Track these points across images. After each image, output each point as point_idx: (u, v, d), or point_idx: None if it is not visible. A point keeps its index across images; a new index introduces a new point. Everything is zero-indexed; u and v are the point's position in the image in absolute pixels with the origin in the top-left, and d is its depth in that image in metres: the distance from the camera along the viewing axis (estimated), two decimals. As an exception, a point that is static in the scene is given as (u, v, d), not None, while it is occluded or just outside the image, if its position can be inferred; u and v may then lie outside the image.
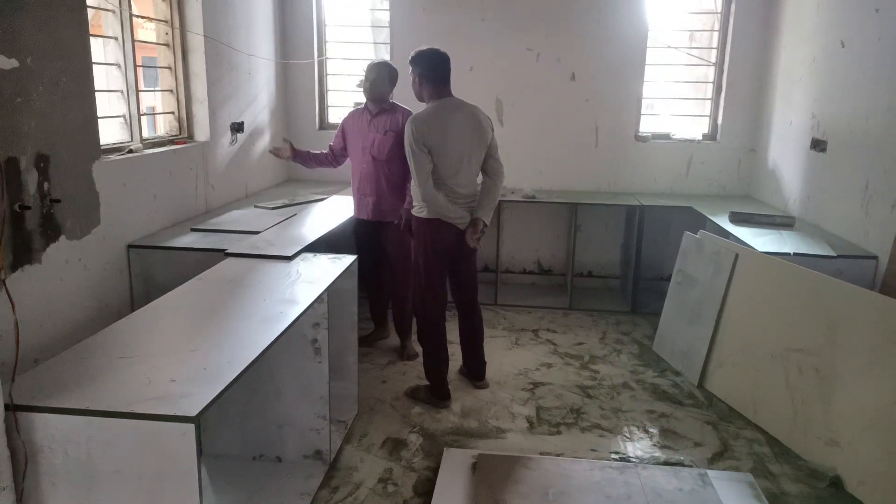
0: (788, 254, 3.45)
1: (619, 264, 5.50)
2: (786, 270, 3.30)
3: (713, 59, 5.20)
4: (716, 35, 5.16)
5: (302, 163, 4.22)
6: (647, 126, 5.35)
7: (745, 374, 3.44)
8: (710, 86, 5.25)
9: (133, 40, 3.39)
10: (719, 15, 5.10)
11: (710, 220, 4.32)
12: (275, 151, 4.30)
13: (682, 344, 3.93)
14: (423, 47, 3.37)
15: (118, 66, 3.36)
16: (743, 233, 3.89)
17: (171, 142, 3.80)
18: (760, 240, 3.73)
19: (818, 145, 4.07)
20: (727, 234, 3.96)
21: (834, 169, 3.91)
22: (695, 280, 3.92)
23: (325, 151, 4.17)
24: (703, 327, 3.74)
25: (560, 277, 5.53)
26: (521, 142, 5.21)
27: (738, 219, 4.19)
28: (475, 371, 3.69)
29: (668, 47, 5.22)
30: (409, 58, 3.36)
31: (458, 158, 3.27)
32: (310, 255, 3.19)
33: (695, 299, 3.87)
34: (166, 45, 3.84)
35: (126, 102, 3.39)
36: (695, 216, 4.62)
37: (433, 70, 3.30)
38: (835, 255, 3.43)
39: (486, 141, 3.38)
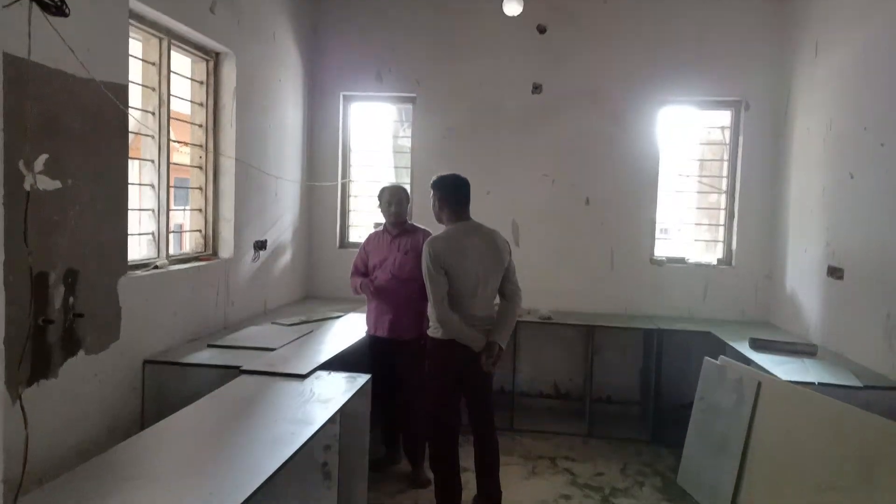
0: (813, 383, 3.36)
1: (639, 389, 5.37)
2: (813, 401, 3.19)
3: (724, 188, 5.34)
4: (726, 164, 5.34)
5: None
6: (662, 250, 5.42)
7: (776, 512, 3.24)
8: (723, 212, 5.36)
9: (168, 163, 3.58)
10: (727, 146, 5.30)
11: (730, 345, 4.25)
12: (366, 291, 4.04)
13: (709, 478, 3.74)
14: (445, 172, 3.51)
15: (152, 186, 3.52)
16: (764, 360, 3.81)
17: (196, 258, 3.90)
18: (783, 368, 3.65)
19: (835, 273, 4.07)
20: (748, 361, 3.88)
21: (853, 297, 3.89)
22: (718, 409, 3.80)
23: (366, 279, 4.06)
24: (730, 460, 3.57)
25: (578, 402, 5.39)
26: (538, 263, 5.27)
27: (758, 345, 4.12)
28: (490, 502, 3.51)
29: (680, 175, 5.39)
30: (431, 182, 3.49)
31: (475, 281, 3.31)
32: (324, 372, 3.17)
33: (719, 430, 3.73)
34: (199, 167, 4.05)
35: (156, 221, 3.52)
36: (714, 341, 4.56)
37: (453, 194, 3.42)
38: (861, 385, 3.33)
39: (504, 264, 3.43)
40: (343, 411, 2.68)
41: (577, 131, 5.30)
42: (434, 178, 3.50)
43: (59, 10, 1.82)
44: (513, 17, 5.18)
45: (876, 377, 3.49)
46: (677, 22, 5.15)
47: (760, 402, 3.51)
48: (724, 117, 5.33)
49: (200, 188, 4.06)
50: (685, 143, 5.49)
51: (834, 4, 4.30)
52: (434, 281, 3.24)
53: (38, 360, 2.44)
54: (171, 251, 3.70)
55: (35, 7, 1.93)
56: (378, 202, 4.09)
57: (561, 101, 5.30)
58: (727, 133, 5.32)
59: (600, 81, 5.25)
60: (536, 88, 5.32)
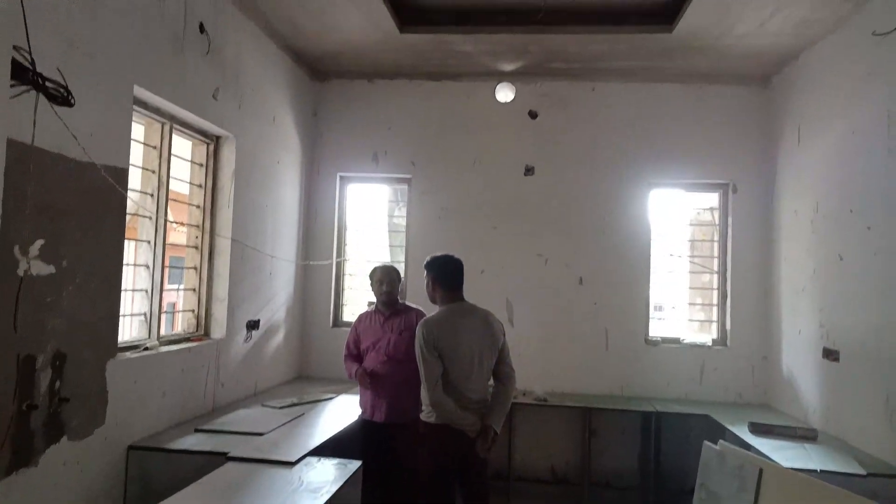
0: (815, 471, 3.28)
1: (638, 474, 5.21)
2: (817, 490, 3.10)
3: (716, 268, 5.39)
4: (716, 245, 5.40)
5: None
6: (656, 330, 5.40)
7: None
8: (716, 292, 5.38)
9: (164, 244, 3.60)
10: (717, 227, 5.39)
11: (729, 430, 4.17)
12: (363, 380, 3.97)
13: (713, 570, 3.58)
14: (438, 253, 3.53)
15: (147, 266, 3.53)
16: (764, 445, 3.73)
17: (188, 339, 3.86)
18: (784, 453, 3.56)
19: (830, 355, 4.05)
20: (748, 446, 3.79)
21: (851, 380, 3.85)
22: (719, 496, 3.67)
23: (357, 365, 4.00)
24: (734, 551, 3.43)
25: (576, 487, 5.22)
26: (532, 343, 5.24)
27: (758, 430, 4.04)
28: None
29: (672, 255, 5.44)
30: (425, 263, 3.51)
31: (469, 363, 3.27)
32: (314, 459, 3.08)
33: (721, 518, 3.60)
34: (195, 247, 4.07)
35: (149, 301, 3.50)
36: (713, 425, 4.47)
37: (447, 275, 3.43)
38: (864, 473, 3.25)
39: (498, 346, 3.40)
40: (333, 501, 2.59)
41: (570, 212, 5.39)
42: (427, 258, 3.52)
43: (65, 101, 1.88)
44: (506, 103, 5.39)
45: (879, 464, 3.41)
46: (663, 108, 5.34)
47: (763, 490, 3.40)
48: (713, 199, 5.44)
49: (195, 268, 4.06)
50: (676, 224, 5.57)
51: (813, 95, 4.48)
52: (427, 363, 3.21)
53: (19, 448, 2.37)
54: (163, 332, 3.66)
55: (41, 97, 2.00)
56: (370, 281, 4.09)
57: (553, 182, 5.41)
58: (716, 214, 5.41)
59: (591, 164, 5.38)
60: (529, 170, 5.45)
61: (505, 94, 5.33)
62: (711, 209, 5.47)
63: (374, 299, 4.16)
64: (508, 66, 5.21)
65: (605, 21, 4.41)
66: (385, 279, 3.99)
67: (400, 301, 4.11)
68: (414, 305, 4.06)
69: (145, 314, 3.50)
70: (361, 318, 4.13)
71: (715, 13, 4.04)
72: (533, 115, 5.46)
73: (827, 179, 4.22)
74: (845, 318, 3.93)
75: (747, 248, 5.22)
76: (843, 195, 4.00)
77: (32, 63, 1.96)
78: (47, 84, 1.99)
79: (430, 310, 3.54)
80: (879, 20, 3.59)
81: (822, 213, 4.26)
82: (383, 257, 5.75)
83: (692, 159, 5.29)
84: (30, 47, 2.04)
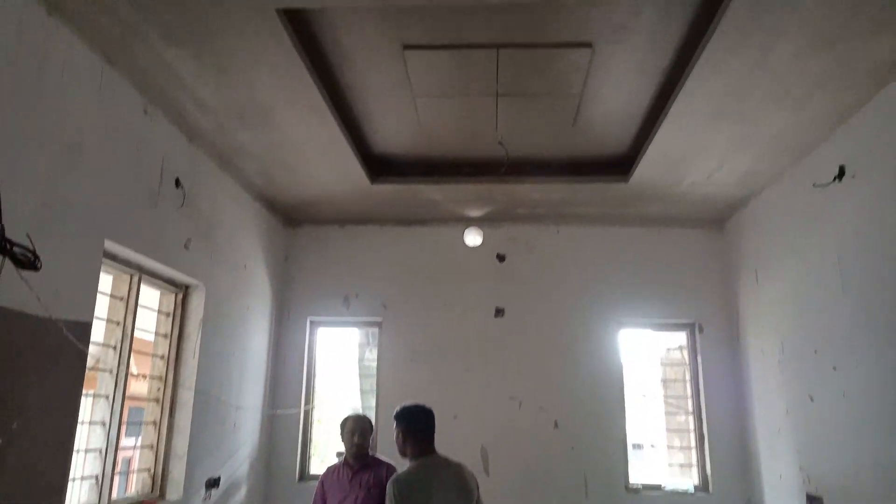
0: None
1: None
2: None
3: (690, 408, 5.33)
4: (689, 384, 5.39)
5: None
6: (637, 474, 5.22)
7: None
8: (693, 434, 5.28)
9: (124, 398, 3.45)
10: (688, 366, 5.40)
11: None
12: None
13: None
14: (408, 402, 3.40)
15: (103, 424, 3.35)
16: None
17: (141, 503, 3.59)
18: None
19: (814, 502, 3.93)
20: None
21: (838, 527, 3.71)
22: None
23: None
24: None
25: None
26: (509, 492, 5.00)
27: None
28: None
29: (645, 395, 5.39)
30: (394, 413, 3.37)
31: None
32: None
33: None
34: (156, 399, 3.91)
35: (102, 462, 3.29)
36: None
37: (417, 427, 3.26)
38: None
39: (472, 500, 3.22)
40: None
41: (541, 353, 5.38)
42: (397, 409, 3.38)
43: (31, 265, 1.88)
44: (474, 247, 5.54)
45: None
46: (626, 250, 5.53)
47: None
48: (682, 338, 5.50)
49: (154, 422, 3.87)
50: (648, 363, 5.59)
51: (765, 239, 4.70)
52: None
53: None
54: (115, 494, 3.42)
55: (7, 260, 1.99)
56: (340, 431, 3.92)
57: (524, 324, 5.44)
58: (686, 353, 5.45)
59: (559, 304, 5.46)
60: (499, 312, 5.49)
61: (473, 238, 5.49)
62: (681, 348, 5.51)
63: (343, 449, 3.97)
64: (475, 212, 5.42)
65: (565, 172, 4.68)
66: (357, 430, 3.80)
67: (371, 454, 3.92)
68: (385, 459, 3.86)
69: (97, 476, 3.28)
70: (328, 472, 3.90)
71: (666, 166, 4.32)
72: (501, 257, 5.60)
73: (789, 320, 4.32)
74: (824, 461, 3.86)
75: (719, 387, 5.21)
76: (807, 335, 4.08)
77: (2, 228, 1.98)
78: (15, 249, 2.00)
79: (401, 463, 3.39)
80: (817, 172, 3.87)
81: (788, 353, 4.31)
82: (354, 402, 5.58)
83: (657, 299, 5.41)
84: (0, 211, 2.06)
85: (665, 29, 3.11)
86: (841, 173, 3.64)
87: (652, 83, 3.60)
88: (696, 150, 4.08)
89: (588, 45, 3.21)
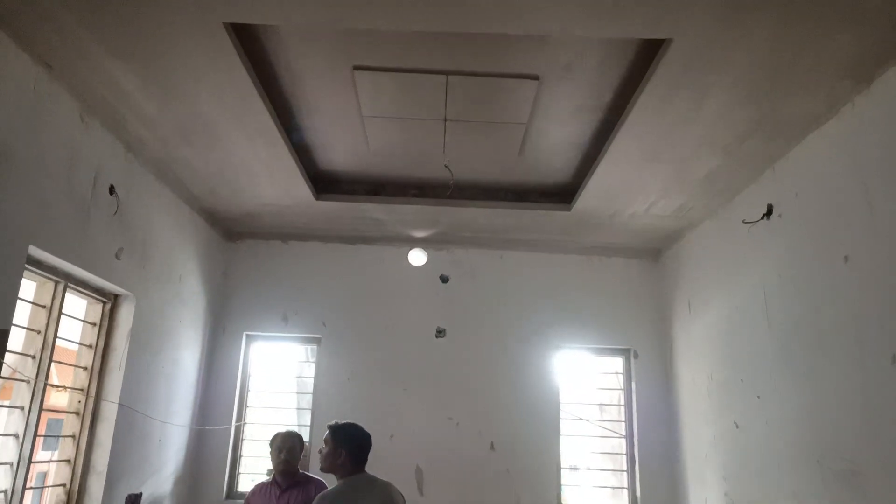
0: None
1: None
2: None
3: (623, 432, 5.44)
4: (623, 409, 5.50)
5: None
6: (569, 497, 5.28)
7: None
8: (625, 457, 5.39)
9: (41, 410, 3.30)
10: (623, 391, 5.52)
11: None
12: None
13: None
14: (349, 421, 3.30)
15: (16, 436, 3.20)
16: None
17: (53, 520, 3.43)
18: None
19: (736, 527, 4.05)
20: None
21: (756, 554, 3.84)
22: None
23: None
24: None
25: None
26: (442, 515, 4.98)
27: None
28: None
29: (580, 419, 5.48)
30: (333, 427, 3.22)
31: None
32: None
33: None
34: (76, 412, 3.75)
35: (13, 476, 3.13)
36: None
37: (358, 449, 3.16)
38: None
39: None
40: None
41: (480, 374, 5.41)
42: (336, 422, 3.25)
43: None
44: (417, 267, 5.54)
45: None
46: (566, 276, 5.64)
47: None
48: (618, 364, 5.62)
49: (74, 436, 3.71)
50: (584, 387, 5.68)
51: (698, 271, 4.87)
52: None
53: None
54: (25, 512, 3.25)
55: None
56: (270, 448, 3.84)
57: (464, 345, 5.47)
58: (621, 378, 5.57)
59: (500, 328, 5.51)
60: (440, 333, 5.50)
61: (417, 257, 5.50)
62: (617, 373, 5.64)
63: (272, 467, 3.89)
64: (420, 233, 5.44)
65: (510, 198, 4.76)
66: (284, 446, 3.74)
67: (301, 471, 3.86)
68: (315, 476, 3.82)
69: (6, 491, 3.11)
70: (255, 490, 3.82)
71: (607, 198, 4.45)
72: (444, 279, 5.62)
73: (718, 349, 4.48)
74: (748, 489, 3.99)
75: (651, 413, 5.34)
76: (734, 365, 4.23)
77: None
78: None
79: (330, 480, 3.33)
80: (748, 210, 4.05)
81: (716, 381, 4.46)
82: (289, 420, 5.48)
83: (596, 325, 5.53)
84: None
85: (606, 71, 3.24)
86: (769, 211, 3.81)
87: (594, 119, 3.72)
88: (634, 186, 4.22)
89: (535, 77, 3.29)
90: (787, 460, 3.57)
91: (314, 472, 3.89)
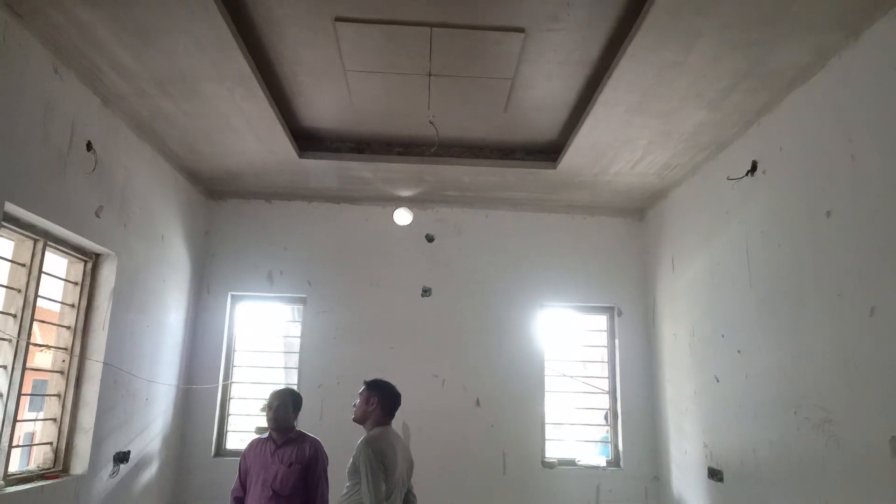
0: None
1: None
2: None
3: (607, 388, 5.54)
4: (606, 366, 5.59)
5: None
6: (553, 451, 5.39)
7: None
8: (608, 412, 5.49)
9: (24, 369, 3.28)
10: (606, 348, 5.60)
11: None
12: None
13: None
14: (381, 378, 3.50)
15: (0, 395, 3.18)
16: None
17: (42, 476, 3.44)
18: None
19: (715, 475, 4.17)
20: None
21: (734, 501, 3.95)
22: None
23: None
24: None
25: None
26: (429, 469, 5.04)
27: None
28: None
29: (564, 375, 5.56)
30: (371, 381, 3.46)
31: (401, 484, 3.25)
32: None
33: None
34: (61, 371, 3.73)
35: (-2, 435, 3.13)
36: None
37: (392, 403, 3.44)
38: None
39: (412, 472, 3.44)
40: None
41: (466, 333, 5.45)
42: (374, 379, 3.48)
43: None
44: (403, 226, 5.52)
45: (765, 589, 3.44)
46: (551, 235, 5.65)
47: None
48: (602, 321, 5.69)
49: (59, 395, 3.70)
50: (569, 345, 5.75)
51: (681, 229, 4.90)
52: (377, 479, 3.04)
53: None
54: (16, 467, 3.26)
55: None
56: (264, 406, 3.87)
57: (449, 304, 5.49)
58: (605, 336, 5.64)
59: (485, 286, 5.54)
60: (426, 292, 5.52)
61: (403, 216, 5.47)
62: (600, 331, 5.70)
63: (264, 424, 3.91)
64: (406, 192, 5.40)
65: (495, 155, 4.72)
66: (274, 402, 3.74)
67: (296, 429, 3.86)
68: (310, 434, 3.82)
69: (-8, 450, 3.11)
70: (251, 445, 3.81)
71: (593, 155, 4.43)
72: (430, 238, 5.61)
73: (700, 305, 4.53)
74: (726, 439, 4.10)
75: (634, 369, 5.43)
76: (715, 321, 4.29)
77: None
78: None
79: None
80: (732, 167, 4.05)
81: (698, 337, 4.53)
82: (276, 379, 5.50)
83: (580, 283, 5.57)
84: None
85: (594, 23, 3.18)
86: (753, 167, 3.82)
87: (581, 73, 3.67)
88: (620, 142, 4.20)
89: (521, 30, 3.23)
90: (764, 411, 3.65)
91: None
